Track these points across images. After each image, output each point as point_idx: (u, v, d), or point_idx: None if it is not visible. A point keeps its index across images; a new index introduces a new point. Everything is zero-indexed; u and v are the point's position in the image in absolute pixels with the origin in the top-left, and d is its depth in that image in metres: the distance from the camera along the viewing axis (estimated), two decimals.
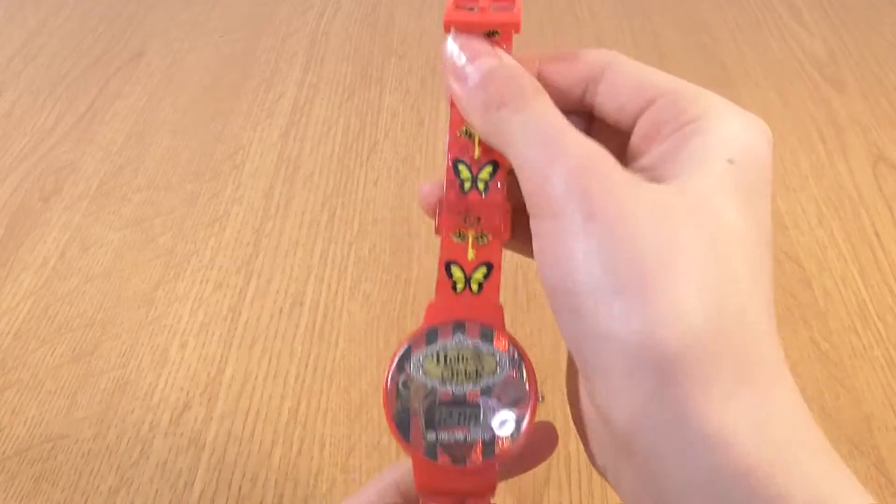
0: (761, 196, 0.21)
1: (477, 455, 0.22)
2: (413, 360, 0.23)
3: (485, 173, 0.24)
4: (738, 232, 0.20)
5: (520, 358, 0.23)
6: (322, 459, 0.40)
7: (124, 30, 0.76)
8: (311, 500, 0.38)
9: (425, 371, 0.23)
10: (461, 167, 0.24)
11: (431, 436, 0.22)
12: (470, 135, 0.24)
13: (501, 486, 0.39)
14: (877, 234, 0.51)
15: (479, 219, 0.24)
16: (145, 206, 0.55)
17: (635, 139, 0.23)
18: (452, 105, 0.23)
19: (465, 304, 0.24)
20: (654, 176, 0.21)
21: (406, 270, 0.49)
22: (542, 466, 0.39)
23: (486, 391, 0.23)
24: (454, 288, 0.24)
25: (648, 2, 0.77)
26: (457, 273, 0.24)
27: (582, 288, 0.19)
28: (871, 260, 0.49)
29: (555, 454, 0.39)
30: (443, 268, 0.24)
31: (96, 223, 0.54)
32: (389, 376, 0.23)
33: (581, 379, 0.22)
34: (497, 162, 0.24)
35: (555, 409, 0.41)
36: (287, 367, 0.44)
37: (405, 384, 0.23)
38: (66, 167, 0.59)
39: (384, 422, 0.41)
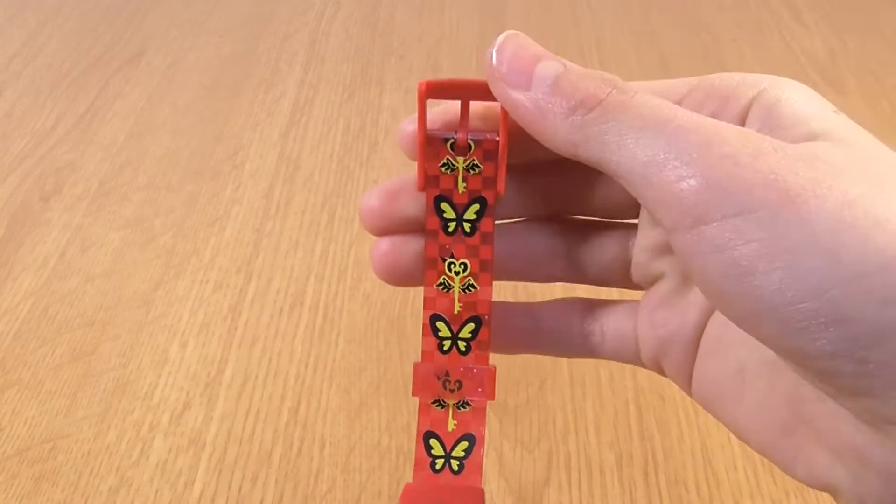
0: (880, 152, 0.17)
1: None
2: None
3: (466, 331, 0.22)
4: None
5: None
6: (322, 459, 0.40)
7: (124, 30, 0.76)
8: (310, 500, 0.38)
9: None
10: (439, 324, 0.22)
11: None
12: (448, 286, 0.22)
13: (501, 487, 0.39)
14: None
15: (459, 384, 0.22)
16: (145, 206, 0.55)
17: None
18: (428, 254, 0.22)
19: (444, 487, 0.21)
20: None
21: None
22: (542, 466, 0.39)
23: None
24: (433, 466, 0.22)
25: (648, 2, 0.77)
26: (436, 448, 0.22)
27: (849, 280, 0.15)
28: None
29: (555, 454, 0.39)
30: (421, 440, 0.22)
31: (96, 223, 0.54)
32: None
33: (818, 421, 0.18)
34: (480, 318, 0.22)
35: (554, 409, 0.41)
36: (287, 367, 0.44)
37: None
38: (66, 167, 0.59)
39: (384, 421, 0.42)
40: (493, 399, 0.22)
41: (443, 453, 0.22)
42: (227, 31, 0.75)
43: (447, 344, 0.22)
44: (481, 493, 0.21)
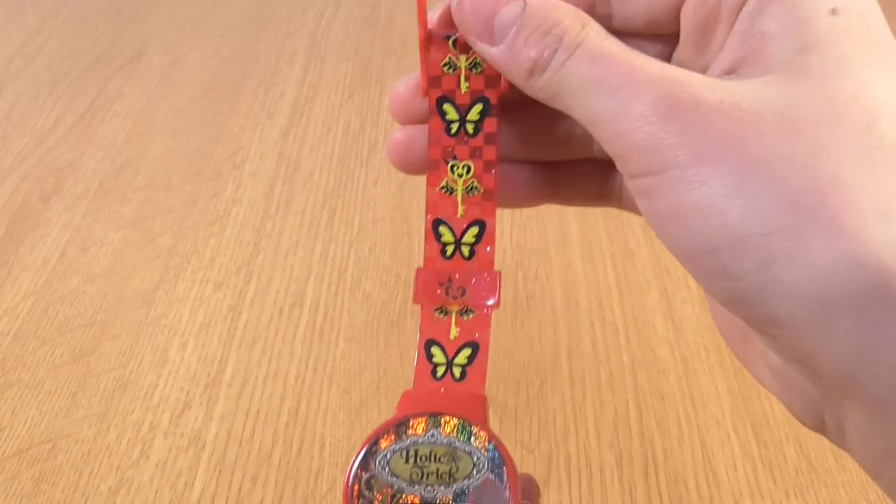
0: (889, 45, 0.17)
1: None
2: (380, 455, 0.20)
3: (469, 235, 0.22)
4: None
5: (500, 459, 0.20)
6: (322, 459, 0.40)
7: (124, 30, 0.76)
8: (310, 500, 0.38)
9: (392, 469, 0.20)
10: (442, 228, 0.22)
11: None
12: (451, 190, 0.21)
13: None
14: None
15: (463, 290, 0.22)
16: (145, 206, 0.55)
17: (687, 38, 0.19)
18: (431, 156, 0.21)
19: (445, 394, 0.21)
20: (744, 74, 0.17)
21: (406, 270, 0.49)
22: (542, 466, 0.39)
23: (460, 496, 0.20)
24: (434, 373, 0.21)
25: None
26: (438, 355, 0.21)
27: (732, 241, 0.16)
28: None
29: (555, 454, 0.39)
30: (423, 348, 0.21)
31: (96, 223, 0.54)
32: (351, 473, 0.20)
33: (756, 340, 0.20)
34: (484, 221, 0.21)
35: (554, 410, 0.41)
36: (287, 367, 0.44)
37: (368, 483, 0.20)
38: (66, 167, 0.59)
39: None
40: (499, 307, 0.21)
41: (444, 361, 0.21)
42: (227, 31, 0.75)
43: (450, 249, 0.22)
44: (483, 399, 0.21)
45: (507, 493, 0.20)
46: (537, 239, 0.51)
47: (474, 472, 0.20)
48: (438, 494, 0.20)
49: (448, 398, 0.21)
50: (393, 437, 0.21)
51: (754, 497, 0.37)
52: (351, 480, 0.20)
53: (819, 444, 0.39)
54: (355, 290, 0.48)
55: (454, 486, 0.20)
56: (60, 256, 0.52)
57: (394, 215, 0.54)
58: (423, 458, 0.20)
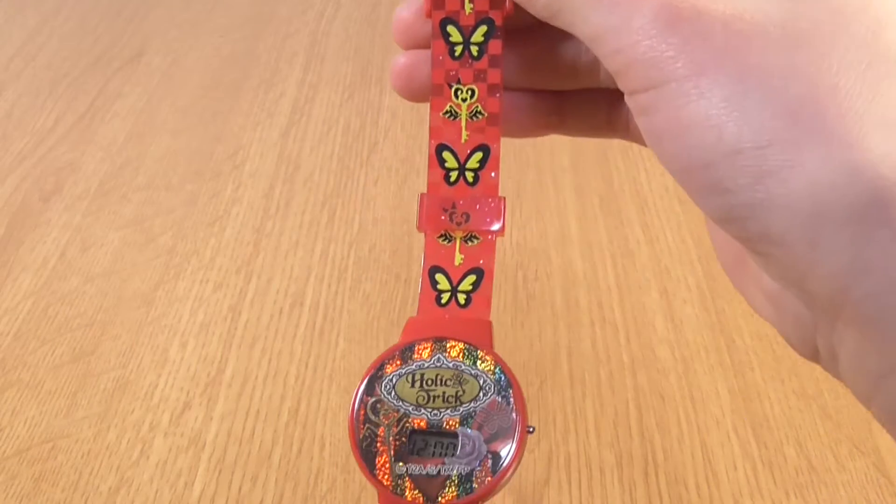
0: None
1: (451, 492, 0.19)
2: (385, 380, 0.20)
3: (473, 161, 0.21)
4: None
5: (507, 382, 0.20)
6: (322, 459, 0.40)
7: (124, 30, 0.76)
8: (310, 500, 0.38)
9: (398, 393, 0.20)
10: (446, 154, 0.22)
11: (400, 468, 0.19)
12: (454, 114, 0.21)
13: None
14: None
15: (467, 216, 0.21)
16: (145, 206, 0.55)
17: None
18: (434, 80, 0.21)
19: (450, 319, 0.21)
20: None
21: (406, 270, 0.49)
22: (542, 466, 0.39)
23: (466, 419, 0.20)
24: (438, 300, 0.21)
25: None
26: (442, 282, 0.21)
27: (727, 155, 0.16)
28: None
29: (555, 454, 0.39)
30: (426, 275, 0.21)
31: (96, 223, 0.54)
32: (357, 398, 0.20)
33: (752, 264, 0.19)
34: (488, 146, 0.21)
35: (554, 410, 0.41)
36: (287, 367, 0.44)
37: (374, 407, 0.20)
38: (66, 167, 0.59)
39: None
40: (503, 233, 0.21)
41: (449, 287, 0.21)
42: (227, 31, 0.75)
43: (454, 175, 0.21)
44: (489, 324, 0.21)
45: (515, 414, 0.20)
46: (537, 239, 0.51)
47: (481, 394, 0.20)
48: (445, 417, 0.20)
49: (453, 324, 0.21)
50: (398, 362, 0.20)
51: (754, 497, 0.37)
52: (356, 405, 0.20)
53: (819, 444, 0.39)
54: (355, 290, 0.48)
55: (461, 409, 0.20)
56: (60, 256, 0.52)
57: (394, 215, 0.54)
58: (429, 382, 0.20)
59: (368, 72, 0.68)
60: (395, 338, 0.49)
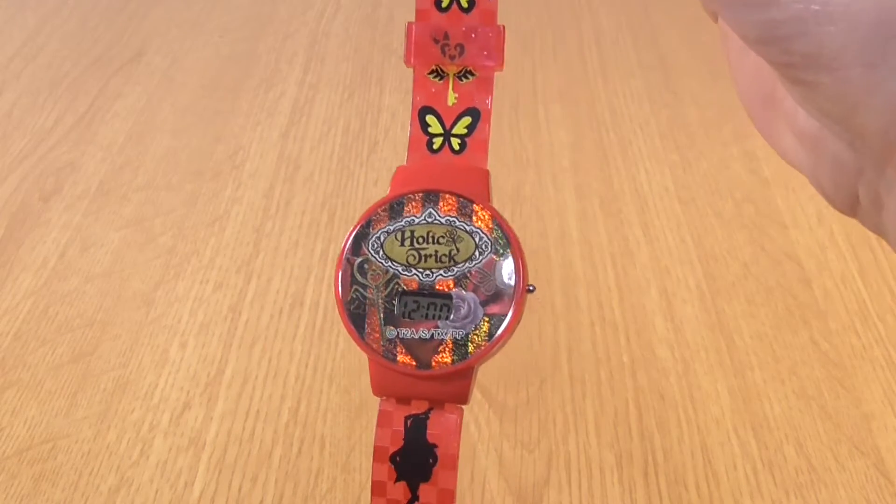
0: None
1: (445, 357, 0.18)
2: (372, 238, 0.18)
3: None
4: None
5: (505, 239, 0.18)
6: (322, 459, 0.40)
7: (124, 30, 0.76)
8: (310, 500, 0.38)
9: (386, 253, 0.18)
10: None
11: (391, 332, 0.18)
12: None
13: (501, 487, 0.39)
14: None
15: (461, 47, 0.19)
16: (145, 206, 0.55)
17: None
18: None
19: (443, 168, 0.18)
20: None
21: None
22: (542, 466, 0.39)
23: (461, 280, 0.18)
24: (430, 146, 0.19)
25: (648, 1, 0.77)
26: (434, 125, 0.19)
27: None
28: (871, 260, 0.49)
29: (555, 454, 0.39)
30: (416, 117, 0.19)
31: (96, 223, 0.54)
32: (342, 258, 0.18)
33: (785, 101, 0.18)
34: None
35: (554, 409, 0.41)
36: (287, 367, 0.44)
37: (361, 268, 0.18)
38: (66, 167, 0.59)
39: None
40: (502, 68, 0.18)
41: (441, 131, 0.19)
42: (227, 31, 0.75)
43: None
44: (486, 174, 0.19)
45: (514, 277, 0.18)
46: (537, 239, 0.51)
47: (476, 253, 0.18)
48: (438, 279, 0.18)
49: (446, 173, 0.18)
50: (386, 217, 0.18)
51: (754, 497, 0.37)
52: (342, 266, 0.18)
53: (819, 444, 0.39)
54: None
55: (455, 270, 0.18)
56: (60, 256, 0.52)
57: None
58: (420, 240, 0.18)
59: (368, 72, 0.68)
60: None
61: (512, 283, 0.18)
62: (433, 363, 0.18)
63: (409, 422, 0.18)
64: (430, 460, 0.18)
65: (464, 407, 0.19)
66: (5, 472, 0.40)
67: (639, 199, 0.54)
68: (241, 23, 0.76)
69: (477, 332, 0.18)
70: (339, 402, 0.42)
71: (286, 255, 0.51)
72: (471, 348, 0.18)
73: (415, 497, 0.18)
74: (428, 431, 0.18)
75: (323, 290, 0.48)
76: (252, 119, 0.63)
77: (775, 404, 0.41)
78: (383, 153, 0.59)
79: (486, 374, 0.42)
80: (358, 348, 0.18)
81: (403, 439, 0.18)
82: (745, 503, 0.37)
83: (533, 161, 0.57)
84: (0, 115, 0.65)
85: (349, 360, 0.44)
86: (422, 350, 0.18)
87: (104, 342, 0.46)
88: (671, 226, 0.52)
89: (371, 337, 0.18)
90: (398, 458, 0.18)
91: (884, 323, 0.45)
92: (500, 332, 0.18)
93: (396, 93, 0.65)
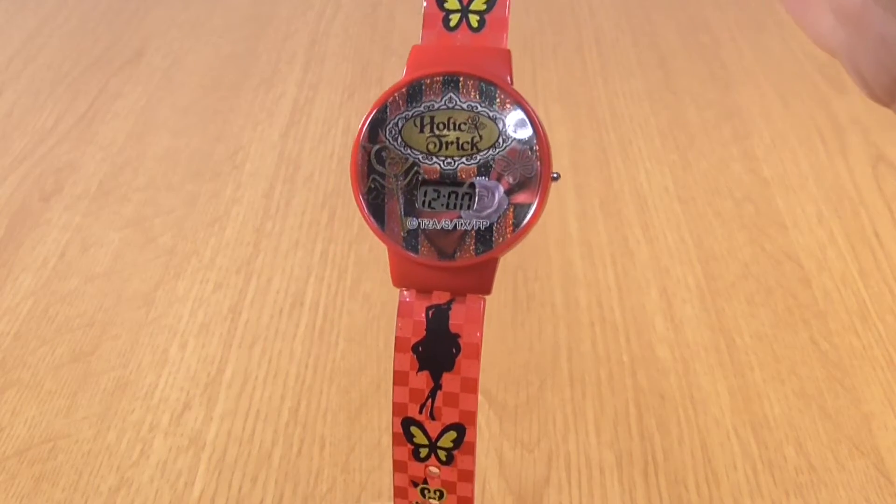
0: None
1: (469, 248, 0.17)
2: (390, 125, 0.18)
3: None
4: None
5: (531, 125, 0.17)
6: (322, 459, 0.40)
7: (124, 30, 0.76)
8: (310, 500, 0.38)
9: (405, 140, 0.18)
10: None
11: (412, 222, 0.18)
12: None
13: (501, 487, 0.39)
14: (877, 234, 0.51)
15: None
16: (145, 206, 0.55)
17: None
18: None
19: (462, 50, 0.18)
20: None
21: None
22: (542, 466, 0.39)
23: (484, 168, 0.17)
24: (446, 23, 0.18)
25: (648, 1, 0.77)
26: (450, 0, 0.18)
27: None
28: (870, 260, 0.49)
29: (555, 454, 0.39)
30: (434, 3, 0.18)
31: (96, 223, 0.54)
32: (358, 146, 0.18)
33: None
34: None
35: (554, 409, 0.41)
36: (287, 367, 0.44)
37: (378, 156, 0.18)
38: (66, 167, 0.59)
39: (384, 421, 0.41)
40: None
41: (458, 7, 0.18)
42: (227, 31, 0.75)
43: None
44: (507, 54, 0.18)
45: (538, 163, 0.17)
46: (537, 239, 0.51)
47: (500, 140, 0.17)
48: (460, 167, 0.17)
49: (466, 54, 0.18)
50: (403, 102, 0.18)
51: (754, 497, 0.37)
52: (359, 155, 0.18)
53: (819, 444, 0.39)
54: (355, 290, 0.48)
55: (477, 158, 0.17)
56: (60, 256, 0.52)
57: None
58: (441, 126, 0.17)
59: (368, 72, 0.68)
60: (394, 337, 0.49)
61: (537, 172, 0.17)
62: (456, 254, 0.17)
63: (430, 312, 0.18)
64: (453, 350, 0.18)
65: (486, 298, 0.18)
66: (5, 472, 0.40)
67: (638, 198, 0.54)
68: (241, 23, 0.76)
69: (501, 221, 0.17)
70: (339, 402, 0.42)
71: (286, 255, 0.51)
72: (495, 239, 0.17)
73: (438, 386, 0.18)
74: (450, 322, 0.18)
75: (323, 290, 0.48)
76: (252, 119, 0.63)
77: (775, 404, 0.41)
78: None
79: (487, 375, 0.42)
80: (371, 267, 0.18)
81: (426, 330, 0.18)
82: (745, 503, 0.37)
83: None
84: (0, 115, 0.65)
85: (349, 360, 0.44)
86: (444, 241, 0.17)
87: (104, 342, 0.46)
88: (671, 226, 0.52)
89: (391, 228, 0.18)
90: (420, 349, 0.18)
91: (884, 323, 0.45)
92: (525, 221, 0.17)
93: None
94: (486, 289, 0.18)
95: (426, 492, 0.20)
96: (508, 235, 0.17)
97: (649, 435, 0.40)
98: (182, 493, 0.38)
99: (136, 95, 0.67)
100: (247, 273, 0.50)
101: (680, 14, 0.75)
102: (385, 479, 0.39)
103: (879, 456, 0.39)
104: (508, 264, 0.49)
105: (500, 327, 0.45)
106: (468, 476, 0.19)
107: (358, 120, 0.60)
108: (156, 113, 0.64)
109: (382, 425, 0.41)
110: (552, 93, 0.64)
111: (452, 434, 0.19)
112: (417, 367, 0.18)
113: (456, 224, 0.17)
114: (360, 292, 0.48)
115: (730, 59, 0.68)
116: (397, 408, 0.19)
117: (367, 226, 0.18)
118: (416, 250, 0.17)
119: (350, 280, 0.49)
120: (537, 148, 0.17)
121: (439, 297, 0.18)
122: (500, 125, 0.17)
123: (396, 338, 0.18)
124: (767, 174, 0.56)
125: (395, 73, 0.68)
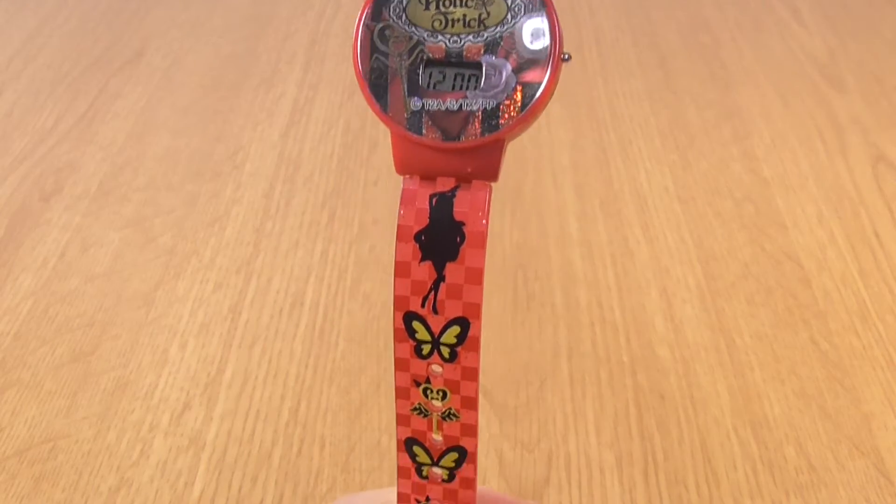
0: None
1: (475, 129, 0.17)
2: (394, 2, 0.17)
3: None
4: None
5: (540, 1, 0.17)
6: (322, 459, 0.40)
7: (124, 30, 0.76)
8: (310, 500, 0.38)
9: (409, 17, 0.17)
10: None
11: (416, 103, 0.17)
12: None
13: (501, 487, 0.39)
14: (877, 234, 0.51)
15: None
16: (145, 206, 0.55)
17: None
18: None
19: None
20: None
21: None
22: (542, 466, 0.39)
23: (492, 46, 0.17)
24: None
25: (648, 1, 0.77)
26: None
27: None
28: (870, 260, 0.49)
29: (555, 454, 0.39)
30: None
31: (96, 223, 0.54)
32: (360, 24, 0.17)
33: None
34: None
35: (554, 409, 0.41)
36: (287, 367, 0.44)
37: (381, 34, 0.17)
38: (66, 167, 0.59)
39: (384, 421, 0.41)
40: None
41: None
42: (227, 31, 0.75)
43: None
44: None
45: (547, 40, 0.17)
46: (537, 239, 0.51)
47: (508, 16, 0.17)
48: (466, 44, 0.17)
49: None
50: None
51: (754, 497, 0.37)
52: (360, 33, 0.17)
53: (819, 444, 0.39)
54: (355, 290, 0.48)
55: (485, 35, 0.17)
56: (60, 256, 0.52)
57: (394, 215, 0.54)
58: (447, 3, 0.17)
59: None
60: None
61: (546, 49, 0.17)
62: (461, 135, 0.17)
63: (434, 200, 0.18)
64: (458, 238, 0.17)
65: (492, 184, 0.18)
66: (5, 472, 0.40)
67: (639, 198, 0.54)
68: (241, 23, 0.76)
69: (509, 101, 0.17)
70: (339, 402, 0.42)
71: (286, 255, 0.51)
72: (502, 119, 0.17)
73: (441, 277, 0.18)
74: (455, 209, 0.17)
75: (323, 290, 0.48)
76: (252, 119, 0.63)
77: (775, 404, 0.41)
78: (383, 153, 0.59)
79: (487, 375, 0.42)
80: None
81: (429, 218, 0.18)
82: (745, 503, 0.37)
83: (533, 161, 0.57)
84: (0, 115, 0.65)
85: (349, 360, 0.44)
86: (449, 122, 0.17)
87: (104, 342, 0.46)
88: (671, 226, 0.52)
89: (394, 109, 0.17)
90: (423, 238, 0.18)
91: (884, 323, 0.45)
92: (533, 101, 0.17)
93: None
94: (492, 174, 0.17)
95: (428, 391, 0.20)
96: (516, 115, 0.16)
97: (649, 435, 0.40)
98: (182, 493, 0.38)
99: (136, 95, 0.67)
100: (247, 273, 0.50)
101: (680, 14, 0.75)
102: (385, 478, 0.39)
103: (879, 456, 0.39)
104: (508, 264, 0.49)
105: (500, 327, 0.45)
106: (472, 374, 0.19)
107: (358, 119, 0.60)
108: (156, 113, 0.64)
109: (382, 425, 0.41)
110: None
111: (456, 329, 0.18)
112: (420, 257, 0.18)
113: (461, 104, 0.17)
114: (360, 292, 0.48)
115: (730, 59, 0.68)
116: (398, 301, 0.18)
117: (370, 108, 0.17)
118: (419, 132, 0.17)
119: (350, 280, 0.49)
120: (548, 27, 0.17)
121: (443, 185, 0.17)
122: (509, 1, 0.17)
123: (398, 226, 0.18)
124: (767, 174, 0.56)
125: None
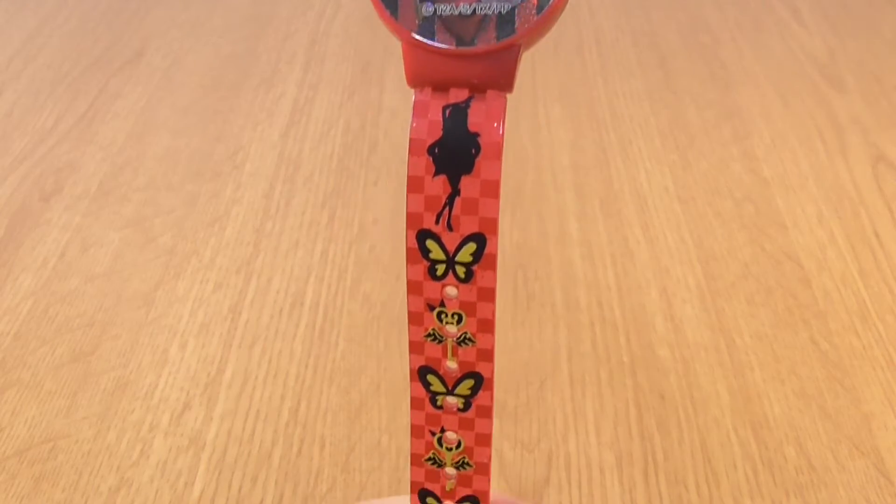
0: None
1: (490, 33, 0.16)
2: None
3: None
4: None
5: None
6: (322, 459, 0.40)
7: (124, 30, 0.76)
8: (310, 500, 0.38)
9: None
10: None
11: (428, 8, 0.17)
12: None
13: (501, 487, 0.39)
14: (877, 234, 0.51)
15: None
16: (145, 206, 0.55)
17: None
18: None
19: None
20: None
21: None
22: (542, 466, 0.39)
23: None
24: None
25: (648, 1, 0.77)
26: None
27: None
28: (871, 260, 0.49)
29: (555, 454, 0.39)
30: None
31: (96, 223, 0.54)
32: None
33: None
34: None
35: (554, 409, 0.41)
36: (287, 367, 0.44)
37: None
38: (66, 167, 0.59)
39: (384, 421, 0.41)
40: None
41: None
42: (227, 31, 0.75)
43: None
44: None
45: None
46: (537, 239, 0.51)
47: None
48: None
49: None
50: None
51: (754, 497, 0.37)
52: None
53: (819, 444, 0.39)
54: (355, 290, 0.48)
55: None
56: (60, 256, 0.52)
57: (393, 215, 0.54)
58: None
59: (368, 72, 0.68)
60: (395, 338, 0.49)
61: None
62: (475, 40, 0.16)
63: (447, 111, 0.17)
64: (472, 150, 0.17)
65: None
66: (5, 472, 0.40)
67: (639, 198, 0.54)
68: (241, 23, 0.76)
69: (524, 4, 0.16)
70: (339, 402, 0.42)
71: (286, 255, 0.51)
72: (517, 22, 0.16)
73: (456, 191, 0.17)
74: (469, 120, 0.17)
75: (323, 290, 0.48)
76: (252, 119, 0.63)
77: (775, 404, 0.41)
78: (383, 153, 0.59)
79: None
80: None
81: (442, 129, 0.17)
82: (745, 503, 0.37)
83: (533, 161, 0.57)
84: (0, 115, 0.65)
85: (349, 360, 0.44)
86: (463, 26, 0.16)
87: (104, 342, 0.46)
88: (671, 226, 0.52)
89: (405, 16, 0.17)
90: (436, 150, 0.17)
91: (884, 323, 0.45)
92: (550, 3, 0.16)
93: (396, 93, 0.65)
94: (507, 83, 0.17)
95: (443, 315, 0.19)
96: (532, 19, 0.16)
97: (649, 435, 0.40)
98: (182, 493, 0.38)
99: (136, 95, 0.67)
100: (247, 273, 0.50)
101: (680, 14, 0.75)
102: (385, 478, 0.39)
103: (879, 456, 0.39)
104: (508, 264, 0.49)
105: (500, 327, 0.45)
106: (489, 294, 0.18)
107: (358, 119, 0.60)
108: (156, 113, 0.64)
109: (382, 425, 0.41)
110: (552, 93, 0.64)
111: (472, 246, 0.18)
112: (433, 170, 0.17)
113: (475, 8, 0.16)
114: (360, 292, 0.48)
115: (730, 59, 0.68)
116: (411, 218, 0.18)
117: (383, 20, 0.16)
118: (432, 38, 0.16)
119: (350, 280, 0.49)
120: None
121: (457, 96, 0.17)
122: None
123: (410, 139, 0.17)
124: (767, 174, 0.56)
125: (396, 73, 0.68)
